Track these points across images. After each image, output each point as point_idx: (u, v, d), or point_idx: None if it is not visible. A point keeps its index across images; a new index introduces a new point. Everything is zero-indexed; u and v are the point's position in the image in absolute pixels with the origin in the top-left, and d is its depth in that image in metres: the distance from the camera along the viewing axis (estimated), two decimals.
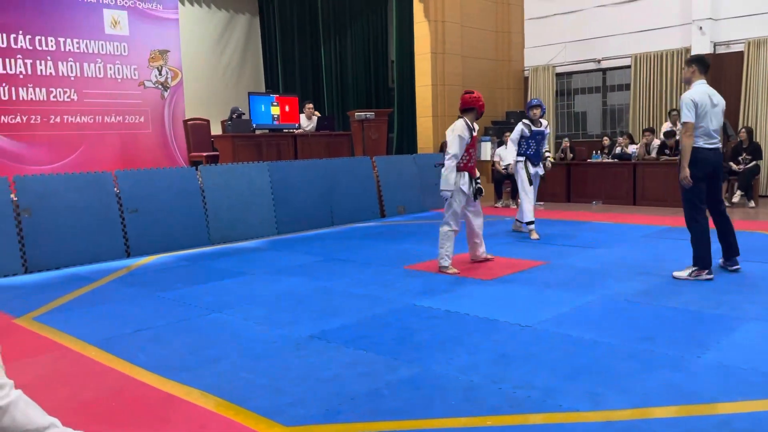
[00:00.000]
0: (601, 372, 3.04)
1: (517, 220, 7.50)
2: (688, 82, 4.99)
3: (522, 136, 7.18)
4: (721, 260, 5.18)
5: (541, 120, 7.21)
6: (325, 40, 13.14)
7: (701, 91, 4.85)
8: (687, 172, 4.81)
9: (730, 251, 5.08)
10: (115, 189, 6.80)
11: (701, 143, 4.85)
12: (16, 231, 6.04)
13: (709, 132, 4.85)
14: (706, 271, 4.85)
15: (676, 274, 4.96)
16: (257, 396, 2.90)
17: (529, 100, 7.02)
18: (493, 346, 3.48)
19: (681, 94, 11.72)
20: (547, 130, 7.41)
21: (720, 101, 4.96)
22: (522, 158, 7.21)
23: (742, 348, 3.32)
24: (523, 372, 3.07)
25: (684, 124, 4.83)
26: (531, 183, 7.20)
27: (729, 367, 3.05)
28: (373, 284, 5.08)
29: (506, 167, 7.47)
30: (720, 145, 4.99)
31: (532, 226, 7.10)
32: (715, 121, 4.86)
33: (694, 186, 4.84)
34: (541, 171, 7.39)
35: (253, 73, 13.32)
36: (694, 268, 4.88)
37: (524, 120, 7.22)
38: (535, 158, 7.25)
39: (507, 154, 7.52)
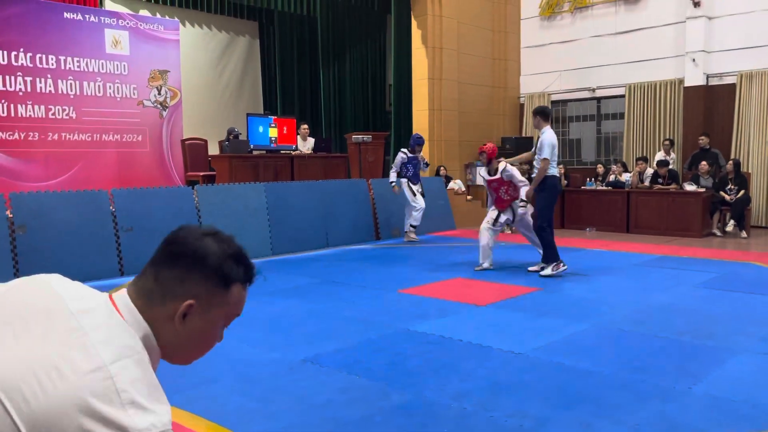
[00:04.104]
0: (593, 402, 3.05)
1: (410, 225, 9.05)
2: (539, 128, 6.47)
3: (402, 162, 8.89)
4: (535, 266, 6.49)
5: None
6: (324, 64, 13.28)
7: (553, 134, 6.37)
8: (532, 192, 6.47)
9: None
10: (111, 207, 6.81)
11: (555, 172, 6.34)
12: (11, 248, 6.02)
13: (555, 165, 6.36)
14: (562, 263, 6.31)
15: (542, 273, 6.31)
16: (249, 420, 2.89)
17: (415, 134, 9.29)
18: (486, 373, 3.49)
19: (675, 125, 11.82)
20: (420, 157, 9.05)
21: None
22: (405, 179, 8.95)
23: (733, 380, 3.34)
24: (516, 400, 3.08)
25: (544, 159, 6.21)
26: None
27: (720, 399, 3.06)
28: (367, 308, 5.09)
29: (391, 183, 8.91)
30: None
31: (414, 230, 9.02)
32: (556, 156, 6.40)
33: (552, 202, 6.41)
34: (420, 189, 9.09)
35: (251, 94, 13.42)
36: (554, 264, 6.28)
37: (403, 149, 9.03)
38: (414, 179, 9.03)
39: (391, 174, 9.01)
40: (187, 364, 1.18)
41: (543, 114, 6.45)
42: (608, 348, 3.93)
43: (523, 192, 6.61)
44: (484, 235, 6.77)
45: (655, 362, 3.63)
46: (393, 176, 8.94)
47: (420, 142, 8.96)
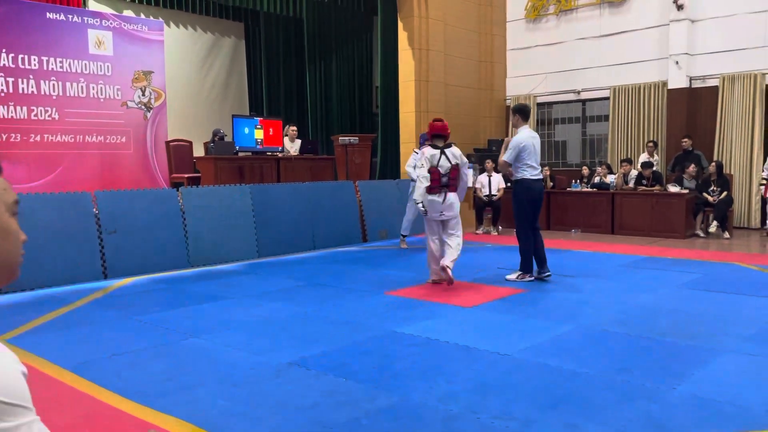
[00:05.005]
0: (579, 402, 3.06)
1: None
2: (516, 126, 6.16)
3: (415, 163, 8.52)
4: (535, 271, 6.17)
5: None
6: (311, 65, 13.24)
7: (526, 135, 6.02)
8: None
9: (540, 262, 6.14)
10: (94, 209, 6.73)
11: (527, 175, 6.03)
12: None
13: (533, 166, 6.04)
14: (529, 274, 6.13)
15: (507, 277, 6.19)
16: (234, 424, 2.86)
17: (424, 133, 8.60)
18: (473, 375, 3.49)
19: (658, 127, 11.88)
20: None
21: (537, 141, 6.16)
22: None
23: (716, 380, 3.37)
24: (502, 402, 3.08)
25: (504, 161, 6.07)
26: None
27: (703, 399, 3.09)
28: (353, 310, 5.07)
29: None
30: (542, 176, 6.23)
31: (405, 239, 8.72)
32: (534, 157, 6.05)
33: (524, 208, 6.08)
34: None
35: (237, 95, 13.35)
36: (520, 272, 6.14)
37: (415, 149, 8.61)
38: None
39: (411, 173, 8.33)
40: (12, 276, 1.03)
41: (522, 112, 6.15)
42: (593, 349, 3.95)
43: (416, 193, 6.03)
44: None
45: (640, 363, 3.65)
46: (414, 173, 8.30)
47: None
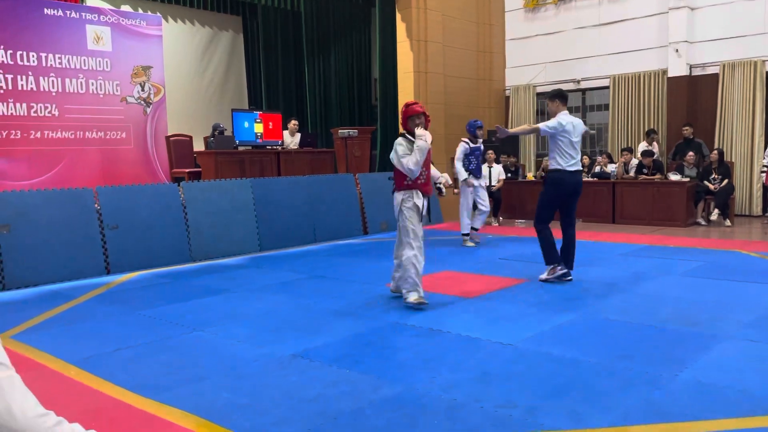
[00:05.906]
0: (581, 390, 3.07)
1: (472, 228, 8.17)
2: (555, 115, 5.59)
3: (464, 154, 7.99)
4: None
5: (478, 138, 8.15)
6: (309, 58, 13.21)
7: (566, 119, 5.53)
8: (505, 131, 5.67)
9: (564, 262, 5.69)
10: (96, 205, 6.75)
11: (563, 165, 5.53)
12: None
13: (571, 154, 5.52)
14: (559, 266, 5.64)
15: (541, 277, 5.69)
16: (239, 416, 2.88)
17: (474, 120, 8.23)
18: (476, 364, 3.50)
19: (659, 115, 11.86)
20: (482, 147, 8.36)
21: (579, 127, 5.63)
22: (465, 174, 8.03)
23: (719, 366, 3.38)
24: (505, 390, 3.10)
25: (538, 127, 5.56)
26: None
27: (706, 385, 3.10)
28: (356, 302, 5.09)
29: (464, 180, 8.06)
30: (579, 167, 5.64)
31: (467, 237, 8.04)
32: (573, 144, 5.54)
33: (549, 202, 5.67)
34: (485, 183, 8.40)
35: (236, 89, 13.32)
36: (550, 267, 5.67)
37: (463, 139, 8.11)
38: (477, 172, 8.07)
39: (460, 171, 8.07)
40: None
41: (561, 96, 5.61)
42: (596, 337, 3.97)
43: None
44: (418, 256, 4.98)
45: (642, 350, 3.66)
46: (464, 172, 7.90)
47: (479, 125, 8.02)
